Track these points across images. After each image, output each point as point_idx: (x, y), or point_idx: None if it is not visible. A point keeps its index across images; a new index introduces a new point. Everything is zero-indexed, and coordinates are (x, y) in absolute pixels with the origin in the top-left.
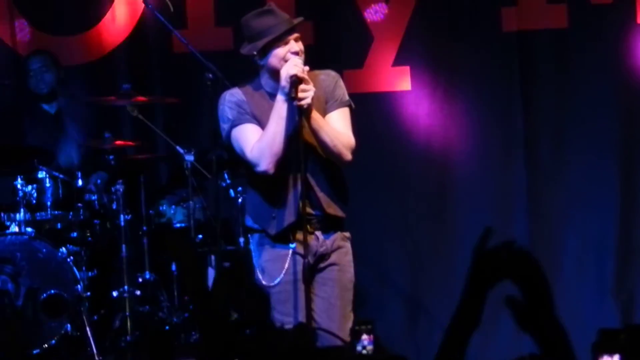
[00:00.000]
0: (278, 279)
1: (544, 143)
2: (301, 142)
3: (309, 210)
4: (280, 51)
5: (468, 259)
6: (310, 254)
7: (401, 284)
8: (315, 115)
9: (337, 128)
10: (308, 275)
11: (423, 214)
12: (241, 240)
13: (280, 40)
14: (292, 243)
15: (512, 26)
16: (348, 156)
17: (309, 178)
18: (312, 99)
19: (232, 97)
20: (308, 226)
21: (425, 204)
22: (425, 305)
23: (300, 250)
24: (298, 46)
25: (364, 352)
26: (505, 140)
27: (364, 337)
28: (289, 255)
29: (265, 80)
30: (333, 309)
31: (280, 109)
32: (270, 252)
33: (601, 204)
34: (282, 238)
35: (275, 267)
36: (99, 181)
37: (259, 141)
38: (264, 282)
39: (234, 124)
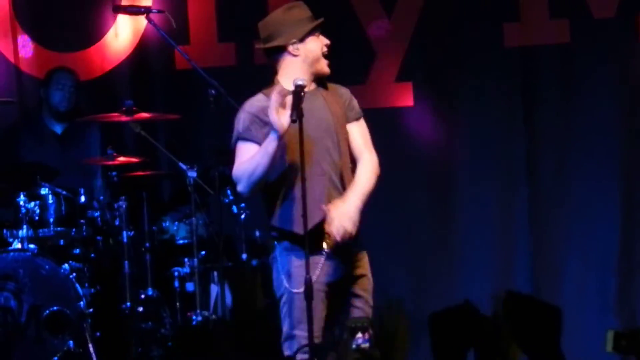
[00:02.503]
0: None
1: (545, 159)
2: (301, 152)
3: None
4: (315, 41)
5: (470, 276)
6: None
7: (402, 299)
8: (360, 198)
9: (360, 144)
10: (310, 292)
11: (425, 229)
12: (244, 256)
13: (316, 31)
14: (322, 250)
15: (515, 42)
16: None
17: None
18: (334, 109)
19: (252, 107)
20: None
21: (427, 219)
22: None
23: (330, 258)
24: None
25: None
26: (507, 155)
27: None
28: (321, 262)
29: (286, 81)
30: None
31: (268, 145)
32: (301, 257)
33: (603, 223)
34: (313, 241)
35: (303, 273)
36: (101, 197)
37: (243, 164)
38: (287, 286)
39: (240, 137)
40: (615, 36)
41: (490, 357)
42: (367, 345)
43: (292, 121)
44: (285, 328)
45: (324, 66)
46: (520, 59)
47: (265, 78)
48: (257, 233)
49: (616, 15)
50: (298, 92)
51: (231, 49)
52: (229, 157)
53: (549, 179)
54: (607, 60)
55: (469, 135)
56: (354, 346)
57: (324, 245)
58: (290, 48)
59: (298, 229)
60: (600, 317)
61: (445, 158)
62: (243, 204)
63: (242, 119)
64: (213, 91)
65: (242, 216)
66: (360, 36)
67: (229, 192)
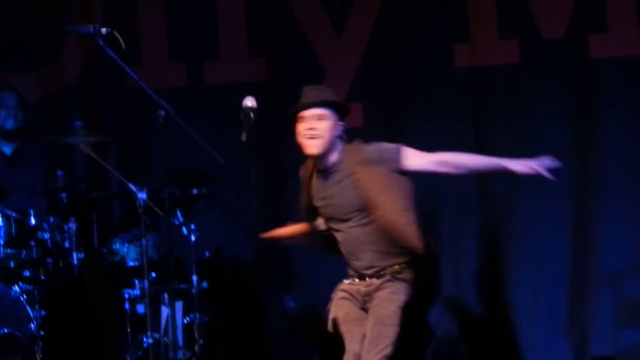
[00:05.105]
0: None
1: (496, 178)
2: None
3: None
4: (299, 126)
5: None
6: None
7: None
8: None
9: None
10: None
11: None
12: (194, 278)
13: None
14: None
15: (465, 62)
16: None
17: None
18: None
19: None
20: None
21: None
22: None
23: None
24: (310, 124)
25: None
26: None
27: None
28: None
29: None
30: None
31: None
32: None
33: (554, 242)
34: None
35: None
36: (51, 219)
37: None
38: None
39: None
40: (565, 56)
41: None
42: None
43: (243, 142)
44: None
45: (304, 146)
46: (470, 79)
47: (215, 99)
48: (207, 254)
49: (565, 35)
50: (247, 114)
51: (182, 70)
52: (179, 178)
53: (500, 197)
54: (556, 80)
55: None
56: None
57: None
58: None
59: None
60: (551, 336)
61: None
62: (193, 226)
63: None
64: (162, 112)
65: (192, 238)
66: (310, 57)
67: (179, 213)
